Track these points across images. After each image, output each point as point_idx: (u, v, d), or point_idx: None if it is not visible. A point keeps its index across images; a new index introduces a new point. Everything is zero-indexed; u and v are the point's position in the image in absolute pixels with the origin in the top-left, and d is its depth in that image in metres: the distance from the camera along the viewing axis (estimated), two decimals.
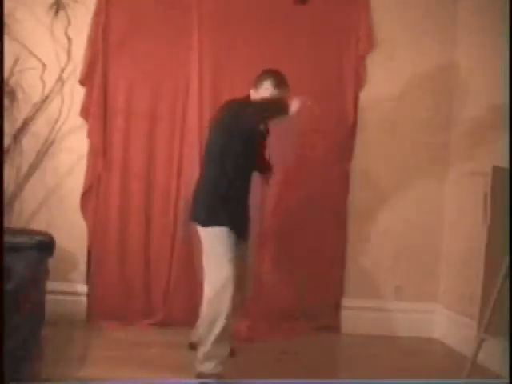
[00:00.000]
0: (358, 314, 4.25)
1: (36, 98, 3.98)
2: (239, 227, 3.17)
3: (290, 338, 3.99)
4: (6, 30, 3.79)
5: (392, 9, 4.25)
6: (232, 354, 3.39)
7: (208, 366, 3.02)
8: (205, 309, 3.08)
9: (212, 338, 3.00)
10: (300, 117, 3.01)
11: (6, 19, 3.79)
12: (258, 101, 3.13)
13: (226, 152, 3.12)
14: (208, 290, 3.07)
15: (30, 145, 4.00)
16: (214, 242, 3.10)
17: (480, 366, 3.30)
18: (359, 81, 4.23)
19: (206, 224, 3.14)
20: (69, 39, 3.97)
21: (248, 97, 3.19)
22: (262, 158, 3.44)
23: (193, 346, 3.45)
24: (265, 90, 3.09)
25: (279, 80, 3.10)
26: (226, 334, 3.01)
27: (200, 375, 3.03)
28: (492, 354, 3.35)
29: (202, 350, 3.05)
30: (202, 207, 3.20)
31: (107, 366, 3.21)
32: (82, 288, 4.07)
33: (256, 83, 3.15)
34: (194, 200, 3.28)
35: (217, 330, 2.99)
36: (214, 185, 3.17)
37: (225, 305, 2.97)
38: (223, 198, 3.14)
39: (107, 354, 3.42)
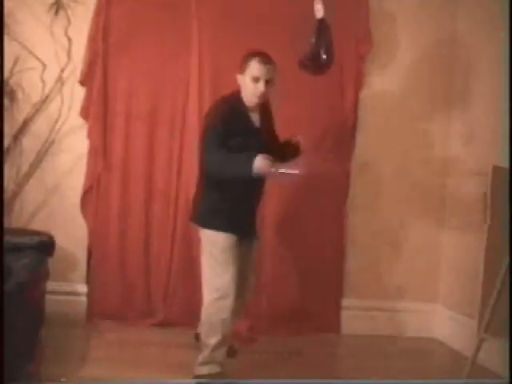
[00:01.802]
0: (358, 314, 4.26)
1: (36, 98, 3.98)
2: (241, 230, 3.11)
3: (290, 338, 3.99)
4: (6, 30, 3.78)
5: (392, 8, 4.25)
6: (234, 354, 3.40)
7: (206, 369, 3.02)
8: (203, 316, 3.07)
9: (210, 346, 3.00)
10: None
11: (6, 19, 3.78)
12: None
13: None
14: (207, 297, 3.04)
15: (30, 145, 4.00)
16: (214, 246, 3.05)
17: (480, 366, 3.30)
18: (359, 81, 4.23)
19: (205, 226, 3.10)
20: (69, 39, 3.97)
21: (237, 92, 3.11)
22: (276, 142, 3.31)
23: (198, 337, 3.45)
24: (252, 69, 3.02)
25: (265, 57, 3.04)
26: (224, 342, 3.01)
27: (198, 377, 3.04)
28: (492, 354, 3.35)
29: (201, 355, 3.04)
30: (201, 208, 3.18)
31: (107, 366, 3.21)
32: (82, 288, 4.07)
33: (242, 66, 3.07)
34: (195, 201, 3.27)
35: (214, 340, 2.98)
36: (214, 186, 3.12)
37: (224, 315, 2.96)
38: (223, 200, 3.10)
39: (107, 354, 3.42)
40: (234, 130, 2.99)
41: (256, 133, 3.14)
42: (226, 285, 2.97)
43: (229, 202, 3.08)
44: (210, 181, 3.12)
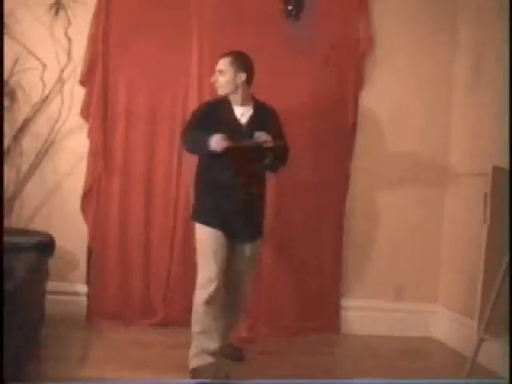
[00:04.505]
0: (357, 314, 4.26)
1: (36, 98, 3.98)
2: (230, 228, 3.16)
3: (290, 338, 3.99)
4: (5, 30, 3.78)
5: (392, 8, 4.26)
6: (240, 358, 3.44)
7: (197, 361, 3.08)
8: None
9: (194, 335, 3.10)
10: None
11: (6, 19, 3.78)
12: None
13: (212, 157, 3.13)
14: (196, 287, 3.17)
15: (30, 145, 4.00)
16: (199, 240, 3.18)
17: (480, 366, 3.30)
18: (359, 81, 4.23)
19: (195, 219, 3.23)
20: (69, 39, 3.98)
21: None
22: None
23: None
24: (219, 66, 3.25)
25: (227, 52, 3.27)
26: (207, 332, 3.07)
27: (192, 371, 3.08)
28: (492, 354, 3.35)
29: (191, 348, 3.12)
30: (194, 204, 3.31)
31: (107, 366, 3.21)
32: (82, 288, 4.07)
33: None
34: (193, 195, 3.37)
35: (196, 328, 3.10)
36: (202, 183, 3.25)
37: (204, 306, 3.06)
38: (210, 197, 3.18)
39: (107, 354, 3.42)
40: (211, 117, 3.16)
41: (239, 127, 3.20)
42: (209, 276, 3.08)
43: (216, 199, 3.17)
44: (198, 178, 3.28)
